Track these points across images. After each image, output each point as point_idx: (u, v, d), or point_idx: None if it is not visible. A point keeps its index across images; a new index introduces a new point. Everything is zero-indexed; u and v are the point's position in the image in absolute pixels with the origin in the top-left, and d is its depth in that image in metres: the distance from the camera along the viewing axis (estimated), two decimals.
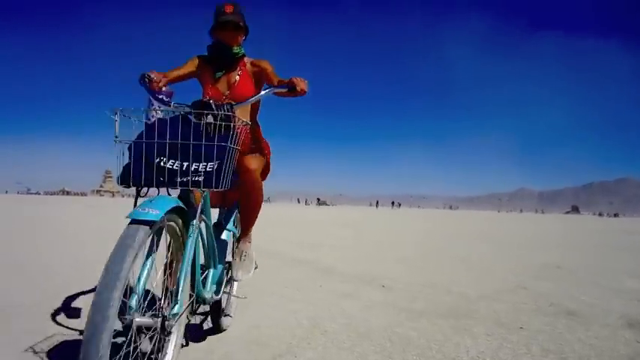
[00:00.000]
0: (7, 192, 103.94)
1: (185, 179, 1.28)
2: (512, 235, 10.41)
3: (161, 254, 1.30)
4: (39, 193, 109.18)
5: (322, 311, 2.45)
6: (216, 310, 1.88)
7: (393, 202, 61.89)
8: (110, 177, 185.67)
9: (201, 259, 1.60)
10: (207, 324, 2.06)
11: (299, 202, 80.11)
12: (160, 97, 1.51)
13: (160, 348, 1.28)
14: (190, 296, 1.44)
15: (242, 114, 1.63)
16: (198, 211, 1.39)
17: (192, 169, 1.28)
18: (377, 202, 58.73)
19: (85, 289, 2.66)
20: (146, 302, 1.20)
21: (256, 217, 1.93)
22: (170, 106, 1.48)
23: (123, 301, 1.00)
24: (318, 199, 66.95)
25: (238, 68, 1.92)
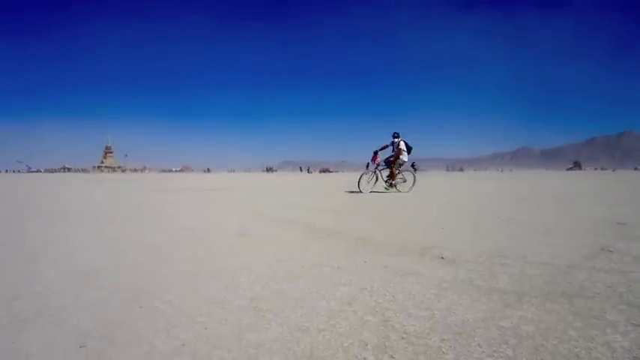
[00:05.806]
0: (6, 171, 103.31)
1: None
2: (540, 193, 9.72)
3: None
4: (40, 171, 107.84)
5: (385, 299, 1.79)
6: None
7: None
8: (111, 153, 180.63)
9: None
10: None
11: (301, 170, 79.14)
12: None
13: None
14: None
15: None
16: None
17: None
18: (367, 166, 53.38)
19: None
20: None
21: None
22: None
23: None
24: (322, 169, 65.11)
25: None
